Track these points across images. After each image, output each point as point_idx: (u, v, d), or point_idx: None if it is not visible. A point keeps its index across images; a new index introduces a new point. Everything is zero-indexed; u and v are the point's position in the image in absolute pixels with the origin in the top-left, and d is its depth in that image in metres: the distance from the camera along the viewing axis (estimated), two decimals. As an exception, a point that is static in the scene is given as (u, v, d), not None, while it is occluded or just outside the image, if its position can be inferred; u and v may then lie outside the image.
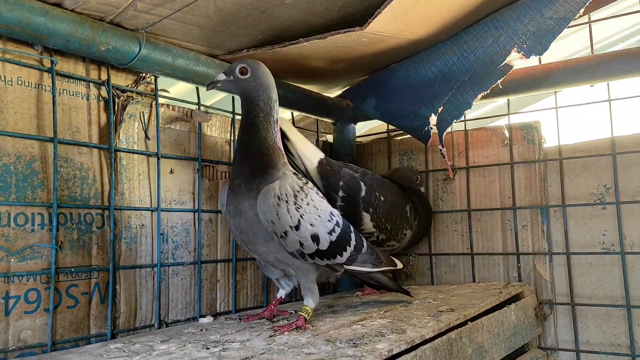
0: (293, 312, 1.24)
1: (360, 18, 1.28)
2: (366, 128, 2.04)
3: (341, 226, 1.15)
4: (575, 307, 1.49)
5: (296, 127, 1.68)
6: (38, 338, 1.04)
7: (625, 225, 1.44)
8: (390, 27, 1.32)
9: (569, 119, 1.62)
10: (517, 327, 1.34)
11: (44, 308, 1.05)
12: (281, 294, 1.24)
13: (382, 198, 1.49)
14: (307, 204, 1.09)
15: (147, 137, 1.26)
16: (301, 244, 1.07)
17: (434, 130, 1.56)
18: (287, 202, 1.06)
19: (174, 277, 1.31)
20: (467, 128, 1.72)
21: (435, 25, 1.44)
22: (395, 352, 0.91)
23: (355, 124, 1.87)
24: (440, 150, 1.53)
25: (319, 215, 1.11)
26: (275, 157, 1.10)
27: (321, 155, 1.45)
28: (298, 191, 1.09)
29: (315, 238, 1.09)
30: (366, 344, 0.93)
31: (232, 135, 1.50)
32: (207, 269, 1.40)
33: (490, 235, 1.64)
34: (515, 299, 1.42)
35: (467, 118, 1.71)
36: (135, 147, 1.24)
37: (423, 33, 1.45)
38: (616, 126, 1.48)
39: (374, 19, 1.22)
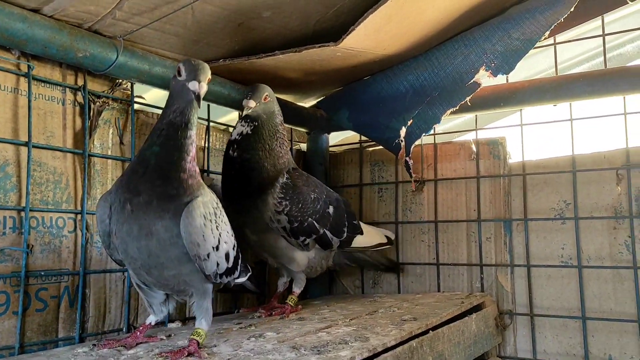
0: (164, 338, 1.10)
1: (335, 33, 1.32)
2: (339, 138, 2.08)
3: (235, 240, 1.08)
4: (534, 317, 1.55)
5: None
6: (6, 340, 1.04)
7: (582, 239, 1.50)
8: (364, 43, 1.37)
9: (533, 136, 1.69)
10: (478, 336, 1.39)
11: (12, 311, 1.06)
12: (151, 320, 1.09)
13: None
14: (222, 221, 1.02)
15: (121, 142, 1.28)
16: (218, 264, 1.00)
17: (404, 142, 1.61)
18: (210, 221, 0.97)
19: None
20: (436, 142, 1.77)
21: (407, 42, 1.49)
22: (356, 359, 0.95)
23: (328, 133, 1.91)
24: (407, 161, 1.58)
25: (228, 232, 1.04)
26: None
27: None
28: (216, 207, 1.01)
29: (227, 256, 1.02)
30: (330, 351, 0.97)
31: (207, 142, 1.52)
32: (177, 274, 1.41)
33: (456, 246, 1.69)
34: (476, 308, 1.47)
35: (436, 132, 1.76)
36: (110, 153, 1.26)
37: (395, 49, 1.50)
38: (577, 145, 1.55)
39: (347, 35, 1.26)
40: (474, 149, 1.70)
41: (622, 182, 1.47)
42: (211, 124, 1.54)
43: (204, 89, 0.96)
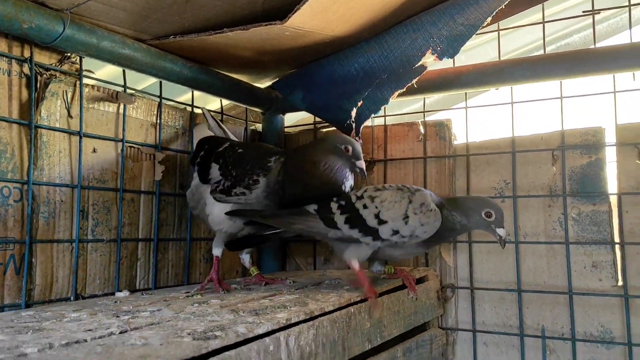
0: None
1: (284, 12, 1.35)
2: (294, 119, 2.12)
3: None
4: (474, 290, 1.63)
5: (226, 114, 1.75)
6: (-51, 306, 1.06)
7: (520, 217, 1.58)
8: (311, 23, 1.40)
9: (478, 118, 1.76)
10: (419, 306, 1.46)
11: (-44, 277, 1.07)
12: None
13: (239, 151, 1.43)
14: None
15: (69, 115, 1.29)
16: None
17: (355, 123, 1.66)
18: None
19: (92, 253, 1.35)
20: (386, 123, 1.82)
21: (356, 24, 1.53)
22: (293, 321, 1.00)
23: (283, 114, 1.95)
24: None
25: None
26: None
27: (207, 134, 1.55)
28: None
29: None
30: (267, 313, 1.01)
31: (159, 119, 1.54)
32: (127, 247, 1.44)
33: (403, 223, 1.75)
34: (419, 281, 1.53)
35: (387, 114, 1.82)
36: (57, 125, 1.27)
37: (345, 31, 1.54)
38: (517, 127, 1.62)
39: (293, 14, 1.29)
40: (422, 130, 1.76)
41: (557, 162, 1.55)
42: (163, 101, 1.56)
43: None
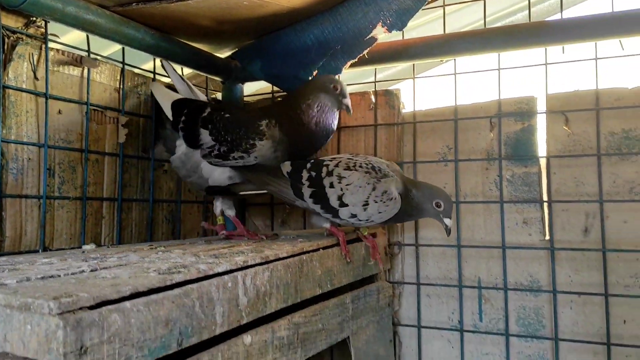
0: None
1: (243, -17, 1.44)
2: (254, 88, 2.20)
3: None
4: (419, 247, 1.77)
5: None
6: None
7: (461, 179, 1.72)
8: (268, -6, 1.49)
9: (425, 88, 1.89)
10: (367, 260, 1.59)
11: None
12: None
13: (226, 115, 1.52)
14: None
15: (35, 77, 1.35)
16: None
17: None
18: None
19: (59, 210, 1.42)
20: (340, 92, 1.93)
21: (311, -4, 1.62)
22: (250, 263, 1.10)
23: (242, 83, 2.03)
24: (313, 109, 1.74)
25: None
26: None
27: (178, 97, 1.62)
28: None
29: None
30: (226, 257, 1.12)
31: (122, 84, 1.61)
32: (92, 205, 1.52)
33: (356, 187, 1.87)
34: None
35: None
36: (24, 86, 1.33)
37: (301, 3, 1.62)
38: (459, 97, 1.75)
39: (251, -16, 1.38)
40: (373, 100, 1.88)
41: (495, 129, 1.69)
42: (126, 67, 1.62)
43: None
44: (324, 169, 1.42)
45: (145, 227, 1.69)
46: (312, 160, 1.47)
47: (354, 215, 1.40)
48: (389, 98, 1.85)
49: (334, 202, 1.40)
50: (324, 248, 1.39)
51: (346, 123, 1.91)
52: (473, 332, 1.68)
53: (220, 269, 1.02)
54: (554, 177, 1.61)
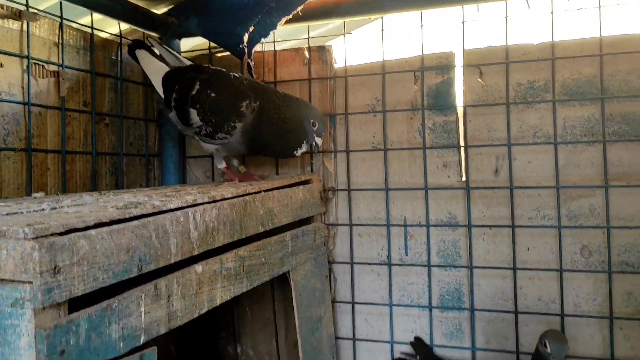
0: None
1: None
2: (191, 44, 2.25)
3: None
4: (351, 192, 1.93)
5: (125, 38, 1.86)
6: None
7: (388, 128, 1.88)
8: (205, -50, 1.55)
9: (356, 44, 2.02)
10: (304, 203, 1.73)
11: None
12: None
13: (212, 95, 1.62)
14: None
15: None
16: None
17: (247, 47, 1.85)
18: None
19: (6, 161, 1.46)
20: (276, 48, 2.03)
21: (246, -46, 1.70)
22: (198, 201, 1.21)
23: (180, 39, 2.08)
24: (249, 64, 1.83)
25: None
26: None
27: (167, 69, 1.72)
28: None
29: None
30: (176, 197, 1.22)
31: (61, 38, 1.63)
32: (37, 157, 1.56)
33: (292, 138, 2.00)
34: (305, 183, 1.80)
35: (276, 39, 2.02)
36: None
37: (236, -41, 1.70)
38: (387, 52, 1.90)
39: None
40: (307, 55, 1.99)
41: (418, 81, 1.85)
42: (64, 21, 1.65)
43: None
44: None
45: (89, 179, 1.74)
46: None
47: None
48: (322, 54, 1.97)
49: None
50: (265, 191, 1.51)
51: (282, 77, 2.01)
52: (400, 265, 1.87)
53: (172, 206, 1.13)
54: (470, 125, 1.80)
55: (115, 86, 1.86)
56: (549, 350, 1.38)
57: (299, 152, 1.70)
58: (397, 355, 1.88)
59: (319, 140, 1.69)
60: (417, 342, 1.83)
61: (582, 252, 1.69)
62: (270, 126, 1.64)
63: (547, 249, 1.72)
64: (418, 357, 1.79)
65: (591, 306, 1.69)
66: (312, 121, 1.66)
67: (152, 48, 1.80)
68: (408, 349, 1.87)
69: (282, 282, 1.87)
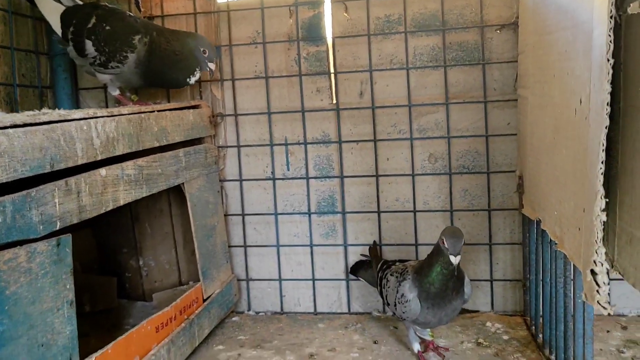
0: None
1: None
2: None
3: None
4: (238, 117, 2.16)
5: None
6: None
7: (268, 58, 2.11)
8: None
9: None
10: (194, 124, 1.94)
11: None
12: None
13: (107, 28, 1.75)
14: None
15: None
16: None
17: (134, -18, 1.98)
18: None
19: None
20: (162, -16, 2.16)
21: None
22: (98, 115, 1.39)
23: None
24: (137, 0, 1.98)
25: None
26: None
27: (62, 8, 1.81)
28: None
29: None
30: (77, 112, 1.39)
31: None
32: None
33: (181, 69, 2.17)
34: (195, 107, 2.00)
35: (161, -24, 2.15)
36: None
37: None
38: (265, -11, 2.10)
39: None
40: (192, -9, 2.15)
41: (293, 16, 2.09)
42: None
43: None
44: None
45: None
46: None
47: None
48: (205, -11, 2.14)
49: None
50: (158, 111, 1.71)
51: (168, 12, 2.16)
52: (282, 179, 2.15)
53: (76, 116, 1.31)
54: (338, 54, 2.08)
55: (5, 19, 1.92)
56: (446, 245, 1.51)
57: (192, 80, 1.88)
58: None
59: (212, 66, 1.88)
60: (373, 247, 2.05)
61: (430, 159, 2.06)
62: (163, 58, 1.81)
63: (402, 158, 2.08)
64: (373, 261, 1.96)
65: (437, 202, 2.08)
66: (202, 49, 1.85)
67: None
68: (290, 250, 2.18)
69: (178, 199, 2.09)
